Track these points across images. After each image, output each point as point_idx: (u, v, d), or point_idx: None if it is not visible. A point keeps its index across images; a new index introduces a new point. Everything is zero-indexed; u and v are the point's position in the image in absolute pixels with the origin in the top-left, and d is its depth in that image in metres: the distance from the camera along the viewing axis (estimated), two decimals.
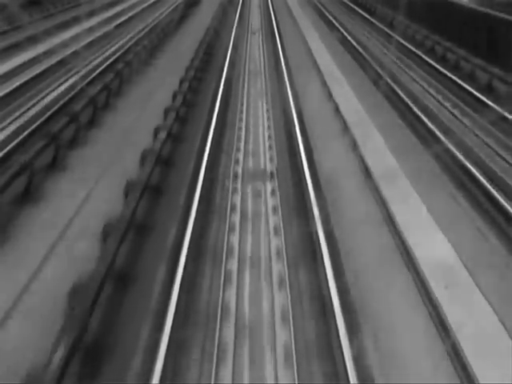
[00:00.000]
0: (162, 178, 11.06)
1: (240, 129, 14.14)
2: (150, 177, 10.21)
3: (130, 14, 30.97)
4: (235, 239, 8.91)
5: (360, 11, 32.78)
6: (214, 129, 13.34)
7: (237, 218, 9.56)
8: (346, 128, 13.73)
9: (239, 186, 10.94)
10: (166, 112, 13.74)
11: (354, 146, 12.49)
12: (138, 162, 11.15)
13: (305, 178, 10.54)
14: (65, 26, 26.17)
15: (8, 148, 11.44)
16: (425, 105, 15.37)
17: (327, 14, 31.83)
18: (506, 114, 13.96)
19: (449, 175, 11.15)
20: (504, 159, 11.81)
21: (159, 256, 8.27)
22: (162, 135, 12.01)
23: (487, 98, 15.33)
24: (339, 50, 23.20)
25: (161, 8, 33.70)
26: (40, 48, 21.43)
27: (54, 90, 16.58)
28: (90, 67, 19.16)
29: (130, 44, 22.57)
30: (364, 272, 8.06)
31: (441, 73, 18.73)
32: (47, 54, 20.64)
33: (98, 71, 18.20)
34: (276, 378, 6.39)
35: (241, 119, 14.92)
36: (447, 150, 11.93)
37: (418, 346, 6.76)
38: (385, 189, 10.29)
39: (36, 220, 9.37)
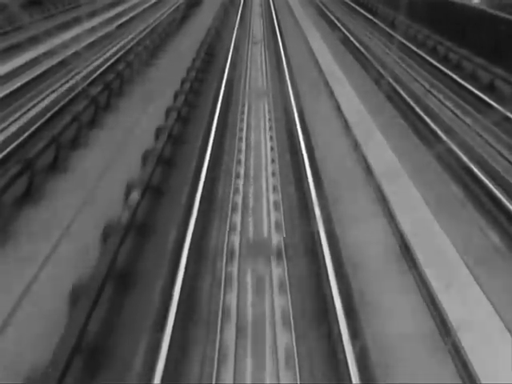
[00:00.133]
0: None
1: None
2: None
3: (131, 15, 30.95)
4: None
5: (362, 11, 32.74)
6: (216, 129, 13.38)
7: None
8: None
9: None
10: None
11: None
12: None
13: None
14: (66, 26, 26.14)
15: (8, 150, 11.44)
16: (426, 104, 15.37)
17: (328, 14, 31.86)
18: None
19: None
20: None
21: None
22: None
23: (489, 98, 15.33)
24: (340, 50, 23.23)
25: (162, 8, 33.66)
26: (41, 49, 21.41)
27: (54, 92, 16.55)
28: (90, 68, 19.14)
29: (131, 44, 22.55)
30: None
31: (442, 72, 18.73)
32: (48, 54, 20.61)
33: (98, 72, 18.19)
34: None
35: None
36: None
37: None
38: None
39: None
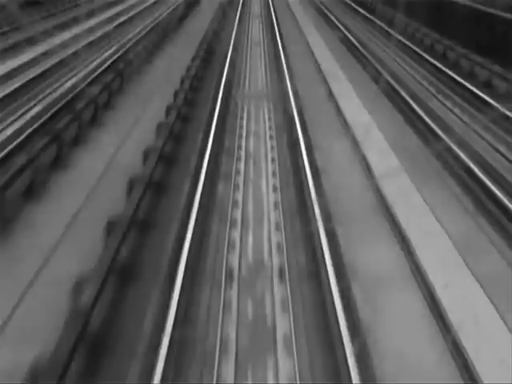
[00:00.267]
0: None
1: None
2: None
3: (129, 15, 30.95)
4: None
5: (361, 10, 32.79)
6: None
7: None
8: None
9: None
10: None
11: None
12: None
13: None
14: (64, 26, 26.16)
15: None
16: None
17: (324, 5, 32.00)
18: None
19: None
20: None
21: None
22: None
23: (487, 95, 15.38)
24: (337, 46, 23.29)
25: (160, 9, 33.65)
26: (39, 49, 21.42)
27: (53, 92, 16.56)
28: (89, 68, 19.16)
29: (129, 45, 22.55)
30: None
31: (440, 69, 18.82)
32: (46, 54, 20.63)
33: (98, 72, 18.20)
34: None
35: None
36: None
37: None
38: None
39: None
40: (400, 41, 23.30)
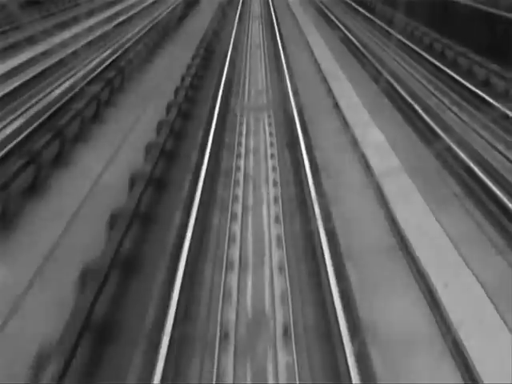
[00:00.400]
0: None
1: None
2: None
3: (129, 14, 30.99)
4: None
5: (361, 9, 32.82)
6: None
7: None
8: None
9: None
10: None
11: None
12: None
13: None
14: (64, 25, 26.20)
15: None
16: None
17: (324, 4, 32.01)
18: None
19: None
20: None
21: None
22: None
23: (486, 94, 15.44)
24: (337, 46, 23.31)
25: (160, 8, 33.69)
26: (39, 48, 21.46)
27: (53, 91, 16.60)
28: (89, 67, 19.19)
29: (129, 44, 22.58)
30: None
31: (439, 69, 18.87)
32: (46, 53, 20.67)
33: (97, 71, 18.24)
34: None
35: None
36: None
37: None
38: None
39: None
40: (399, 40, 23.35)
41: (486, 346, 6.53)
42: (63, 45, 22.02)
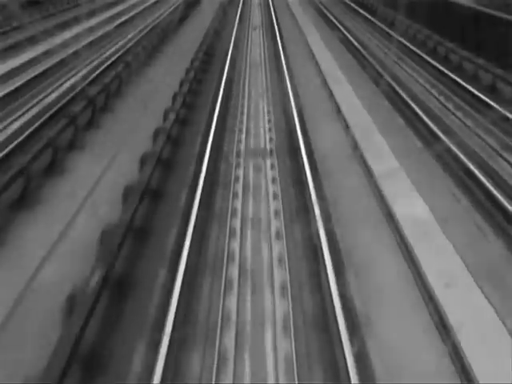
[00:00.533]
0: None
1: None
2: None
3: (131, 14, 30.95)
4: None
5: (361, 11, 32.76)
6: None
7: None
8: None
9: None
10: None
11: None
12: None
13: None
14: (65, 26, 26.15)
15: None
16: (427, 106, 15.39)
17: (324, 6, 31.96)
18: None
19: None
20: None
21: None
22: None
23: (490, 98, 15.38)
24: (337, 47, 23.27)
25: (161, 8, 33.65)
26: (40, 48, 21.41)
27: (54, 91, 16.55)
28: (90, 67, 19.14)
29: (129, 45, 22.53)
30: None
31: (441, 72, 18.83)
32: (47, 54, 20.62)
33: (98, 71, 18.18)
34: None
35: None
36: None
37: None
38: None
39: None
40: (401, 42, 23.31)
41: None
42: (64, 45, 21.97)
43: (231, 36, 25.28)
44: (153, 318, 7.03)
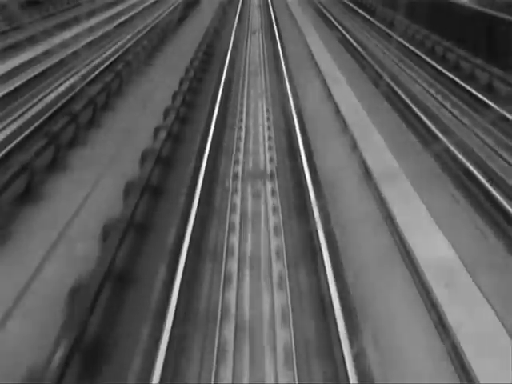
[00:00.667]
0: None
1: None
2: None
3: (130, 14, 31.00)
4: None
5: (360, 11, 32.81)
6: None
7: None
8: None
9: None
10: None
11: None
12: None
13: None
14: (65, 26, 26.19)
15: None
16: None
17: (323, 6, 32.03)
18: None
19: None
20: None
21: None
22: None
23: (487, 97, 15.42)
24: (335, 47, 23.32)
25: (160, 8, 33.70)
26: (39, 48, 21.46)
27: (53, 91, 16.59)
28: (89, 67, 19.17)
29: (129, 45, 22.57)
30: None
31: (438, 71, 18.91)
32: (47, 54, 20.66)
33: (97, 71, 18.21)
34: None
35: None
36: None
37: None
38: None
39: None
40: (400, 42, 23.37)
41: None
42: (63, 45, 22.00)
43: (230, 36, 25.33)
44: None
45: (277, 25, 28.39)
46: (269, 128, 14.20)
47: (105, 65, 19.02)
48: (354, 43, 23.33)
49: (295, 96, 16.00)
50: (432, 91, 16.98)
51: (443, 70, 18.66)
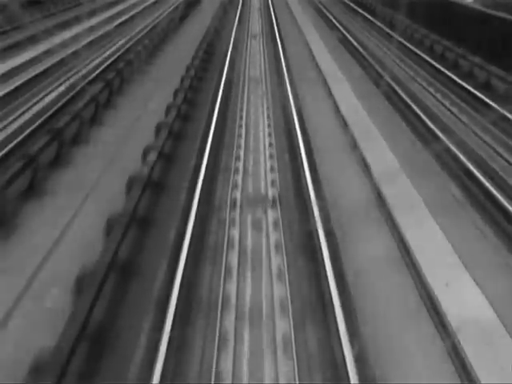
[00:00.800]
0: None
1: None
2: None
3: (131, 13, 31.03)
4: None
5: (360, 11, 32.86)
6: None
7: None
8: None
9: None
10: None
11: None
12: None
13: None
14: (66, 25, 26.23)
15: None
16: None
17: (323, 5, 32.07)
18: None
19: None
20: None
21: None
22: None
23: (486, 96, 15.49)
24: (335, 46, 23.37)
25: (160, 8, 33.74)
26: (40, 47, 21.50)
27: (54, 90, 16.64)
28: (90, 67, 19.23)
29: (129, 44, 22.61)
30: None
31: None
32: (48, 53, 20.71)
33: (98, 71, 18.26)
34: None
35: None
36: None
37: None
38: None
39: None
40: (400, 42, 23.41)
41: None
42: (64, 45, 22.04)
43: (231, 36, 25.38)
44: None
45: (277, 26, 28.39)
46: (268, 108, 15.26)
47: (105, 64, 19.05)
48: (355, 42, 23.40)
49: (295, 96, 16.11)
50: (431, 90, 17.07)
51: (442, 69, 18.75)
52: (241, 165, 11.72)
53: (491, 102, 14.82)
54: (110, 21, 28.19)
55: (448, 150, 11.74)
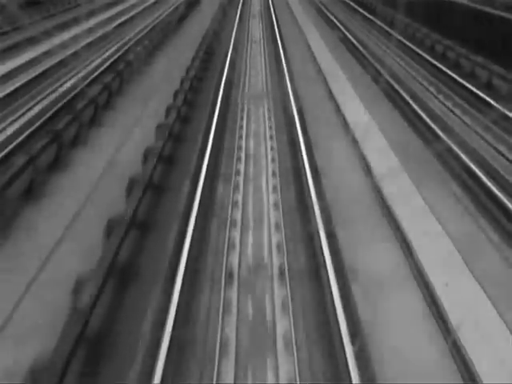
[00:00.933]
0: None
1: None
2: None
3: (130, 14, 30.99)
4: None
5: (361, 10, 32.84)
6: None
7: None
8: None
9: None
10: None
11: None
12: None
13: None
14: (65, 26, 26.17)
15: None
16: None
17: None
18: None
19: None
20: None
21: None
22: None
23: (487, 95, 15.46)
24: (336, 45, 23.34)
25: (160, 9, 33.71)
26: (39, 49, 21.45)
27: (54, 91, 16.59)
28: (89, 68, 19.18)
29: (130, 44, 22.58)
30: None
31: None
32: (47, 54, 20.66)
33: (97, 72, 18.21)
34: None
35: None
36: None
37: None
38: None
39: None
40: (400, 41, 23.37)
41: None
42: (63, 46, 21.99)
43: (231, 35, 25.34)
44: None
45: (278, 27, 28.35)
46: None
47: (105, 66, 19.00)
48: (355, 41, 23.36)
49: (296, 95, 16.07)
50: (432, 89, 17.04)
51: (444, 68, 18.71)
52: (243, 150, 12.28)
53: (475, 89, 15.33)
54: (109, 22, 28.14)
55: (458, 158, 11.59)
